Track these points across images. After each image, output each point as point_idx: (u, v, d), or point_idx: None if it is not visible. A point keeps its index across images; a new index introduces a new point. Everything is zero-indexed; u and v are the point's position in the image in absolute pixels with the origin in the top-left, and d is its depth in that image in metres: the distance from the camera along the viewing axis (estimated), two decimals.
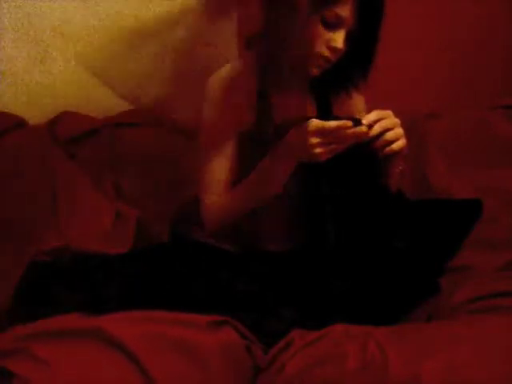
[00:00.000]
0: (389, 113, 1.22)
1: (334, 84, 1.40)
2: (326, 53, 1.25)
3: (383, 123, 1.20)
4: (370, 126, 1.18)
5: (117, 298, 1.18)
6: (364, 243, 1.25)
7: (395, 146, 1.22)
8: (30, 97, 1.70)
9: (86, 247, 1.46)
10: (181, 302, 1.15)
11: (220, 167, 1.33)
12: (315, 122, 1.16)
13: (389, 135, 1.20)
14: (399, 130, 1.23)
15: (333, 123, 1.16)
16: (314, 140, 1.17)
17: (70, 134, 1.73)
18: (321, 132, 1.16)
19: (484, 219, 1.41)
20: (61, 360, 0.99)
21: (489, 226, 1.39)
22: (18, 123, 1.71)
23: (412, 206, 1.45)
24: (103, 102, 1.65)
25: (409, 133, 1.82)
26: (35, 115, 1.78)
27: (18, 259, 1.37)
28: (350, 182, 1.29)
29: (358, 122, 1.17)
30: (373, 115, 1.20)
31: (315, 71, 1.29)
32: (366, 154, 1.22)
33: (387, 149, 1.21)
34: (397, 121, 1.23)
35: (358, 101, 1.48)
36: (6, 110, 1.72)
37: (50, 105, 1.80)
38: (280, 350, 1.08)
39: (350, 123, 1.16)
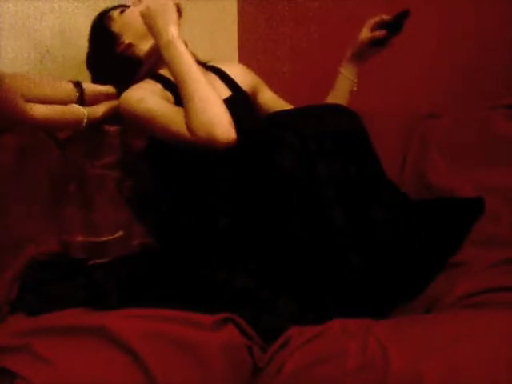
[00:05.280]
0: None
1: None
2: None
3: None
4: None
5: (117, 295, 1.18)
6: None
7: None
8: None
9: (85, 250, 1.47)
10: (180, 301, 1.16)
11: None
12: None
13: None
14: None
15: None
16: None
17: (70, 134, 1.72)
18: None
19: (484, 217, 1.41)
20: (63, 359, 0.98)
21: (489, 224, 1.39)
22: None
23: (415, 206, 1.46)
24: None
25: (409, 133, 1.85)
26: None
27: (17, 258, 1.38)
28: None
29: None
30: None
31: None
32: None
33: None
34: None
35: None
36: None
37: None
38: (278, 348, 1.07)
39: None
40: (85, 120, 1.49)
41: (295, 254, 1.23)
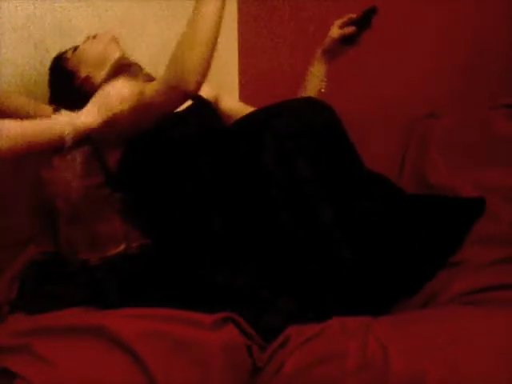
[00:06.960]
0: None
1: None
2: None
3: None
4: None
5: (117, 294, 1.18)
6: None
7: None
8: (29, 97, 1.70)
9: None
10: (180, 301, 1.16)
11: None
12: None
13: None
14: None
15: None
16: None
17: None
18: None
19: (484, 216, 1.42)
20: (63, 359, 0.99)
21: (489, 223, 1.39)
22: None
23: (413, 199, 1.46)
24: None
25: (409, 133, 1.85)
26: None
27: (17, 258, 1.38)
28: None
29: None
30: None
31: None
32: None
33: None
34: None
35: None
36: None
37: None
38: (278, 348, 1.07)
39: None
40: (67, 133, 1.37)
41: (287, 253, 1.24)
